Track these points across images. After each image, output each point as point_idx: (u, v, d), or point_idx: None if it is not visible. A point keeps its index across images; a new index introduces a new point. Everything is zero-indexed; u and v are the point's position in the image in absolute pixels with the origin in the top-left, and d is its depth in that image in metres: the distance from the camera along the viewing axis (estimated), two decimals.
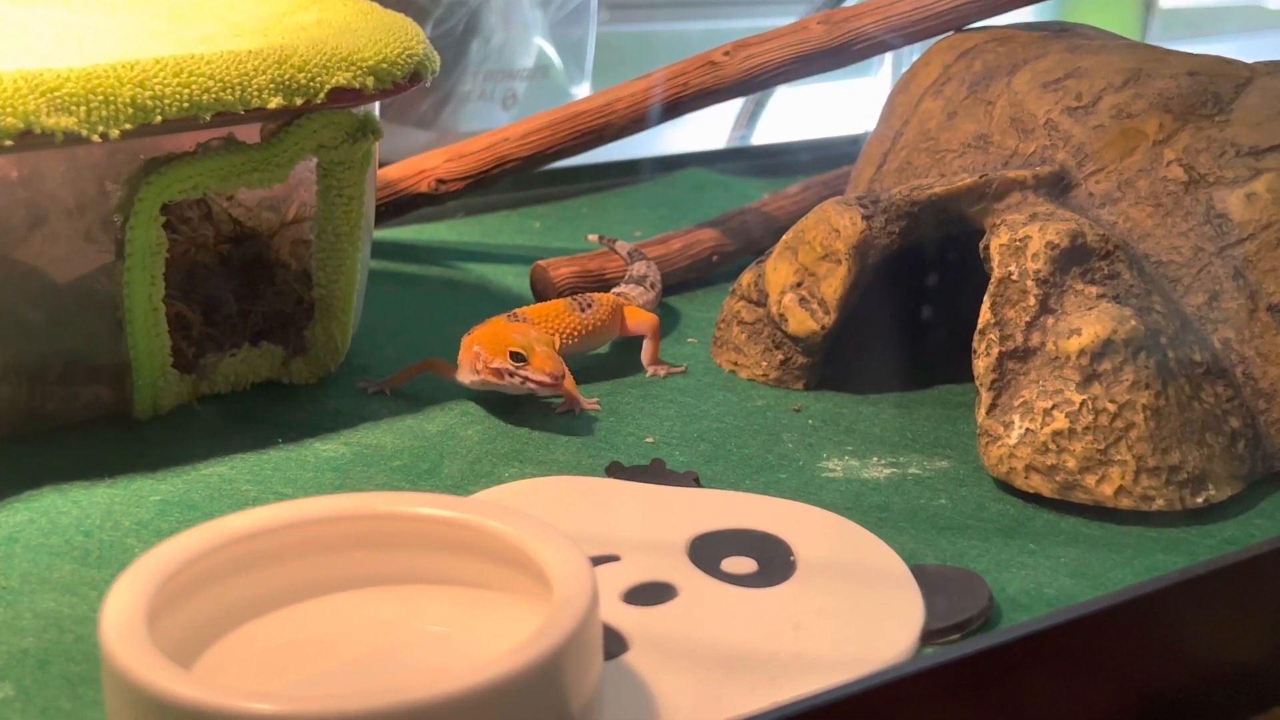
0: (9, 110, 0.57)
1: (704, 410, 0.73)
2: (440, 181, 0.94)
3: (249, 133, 0.68)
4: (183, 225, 0.75)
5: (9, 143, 0.57)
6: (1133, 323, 0.64)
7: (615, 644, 0.50)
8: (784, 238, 0.77)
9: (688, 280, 0.92)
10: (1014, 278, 0.66)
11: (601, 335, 0.78)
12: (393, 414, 0.72)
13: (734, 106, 1.35)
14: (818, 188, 1.00)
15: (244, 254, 0.77)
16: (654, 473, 0.65)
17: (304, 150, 0.68)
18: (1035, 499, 0.64)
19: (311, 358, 0.74)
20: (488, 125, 1.13)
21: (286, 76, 0.65)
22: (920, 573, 0.56)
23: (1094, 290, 0.66)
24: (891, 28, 0.89)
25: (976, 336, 0.67)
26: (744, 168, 1.21)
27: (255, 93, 0.64)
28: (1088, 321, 0.64)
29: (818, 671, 0.49)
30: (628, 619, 0.52)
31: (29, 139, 0.58)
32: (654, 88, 0.92)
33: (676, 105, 0.93)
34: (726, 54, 0.92)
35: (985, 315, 0.67)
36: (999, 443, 0.64)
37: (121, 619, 0.42)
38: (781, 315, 0.75)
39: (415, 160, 0.95)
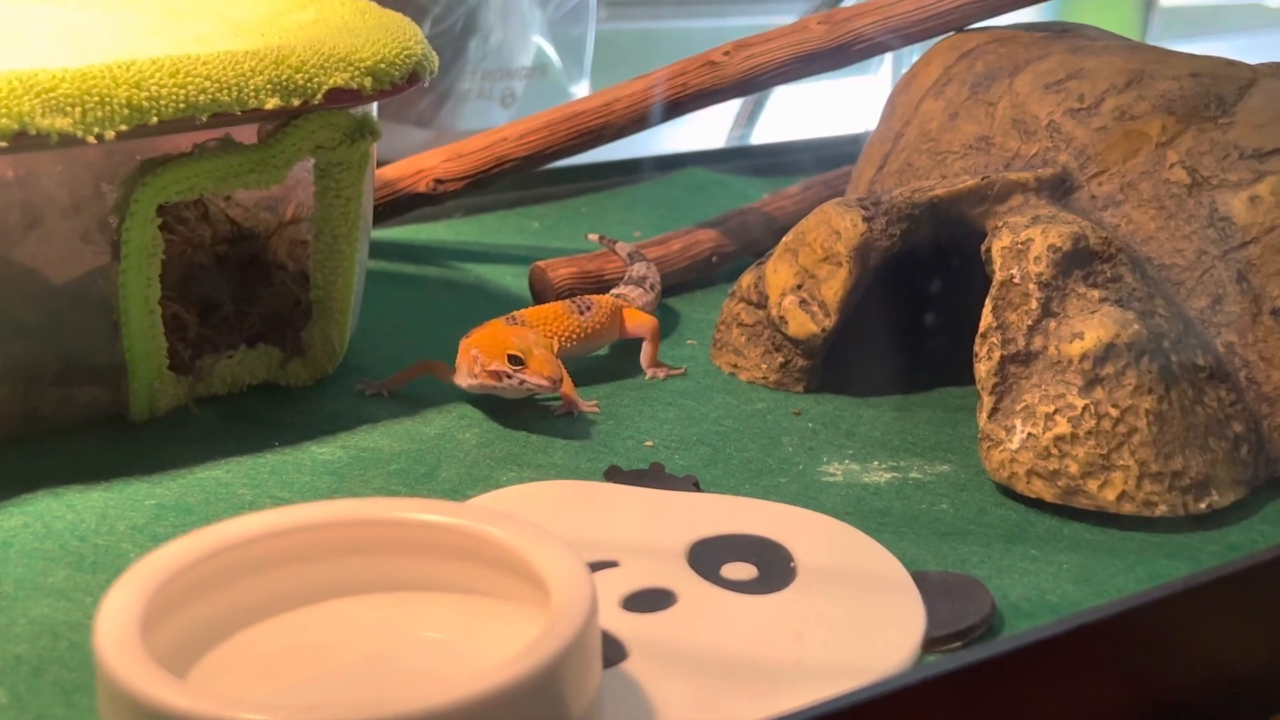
0: (3, 111, 0.56)
1: (703, 413, 0.73)
2: (438, 181, 0.94)
3: (246, 133, 0.68)
4: (180, 226, 0.74)
5: (3, 144, 0.57)
6: (1135, 326, 0.63)
7: (614, 651, 0.50)
8: (784, 239, 0.77)
9: (687, 281, 0.92)
10: (1016, 280, 0.66)
11: (600, 337, 0.78)
12: (390, 417, 0.71)
13: (733, 105, 1.35)
14: (818, 188, 1.00)
15: (241, 255, 0.76)
16: (653, 477, 0.65)
17: (301, 151, 0.68)
18: (1037, 504, 0.64)
19: (309, 359, 0.74)
20: (486, 124, 1.13)
21: (283, 77, 0.65)
22: (921, 579, 0.55)
23: (1096, 294, 0.65)
24: (892, 28, 0.89)
25: (978, 340, 0.66)
26: (744, 167, 1.21)
27: (252, 93, 0.64)
28: (1090, 325, 0.64)
29: (818, 679, 0.49)
30: (626, 626, 0.52)
31: (24, 140, 0.57)
32: (653, 88, 0.92)
33: (676, 105, 0.93)
34: (726, 54, 0.92)
35: (987, 318, 0.66)
36: (1000, 447, 0.64)
37: (115, 626, 0.42)
38: (781, 317, 0.75)
39: (413, 160, 0.95)
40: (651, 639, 0.51)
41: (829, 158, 1.15)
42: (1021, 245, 0.66)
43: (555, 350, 0.72)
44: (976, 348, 0.66)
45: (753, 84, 0.93)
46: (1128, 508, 0.62)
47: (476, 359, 0.69)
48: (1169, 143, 0.71)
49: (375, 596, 0.49)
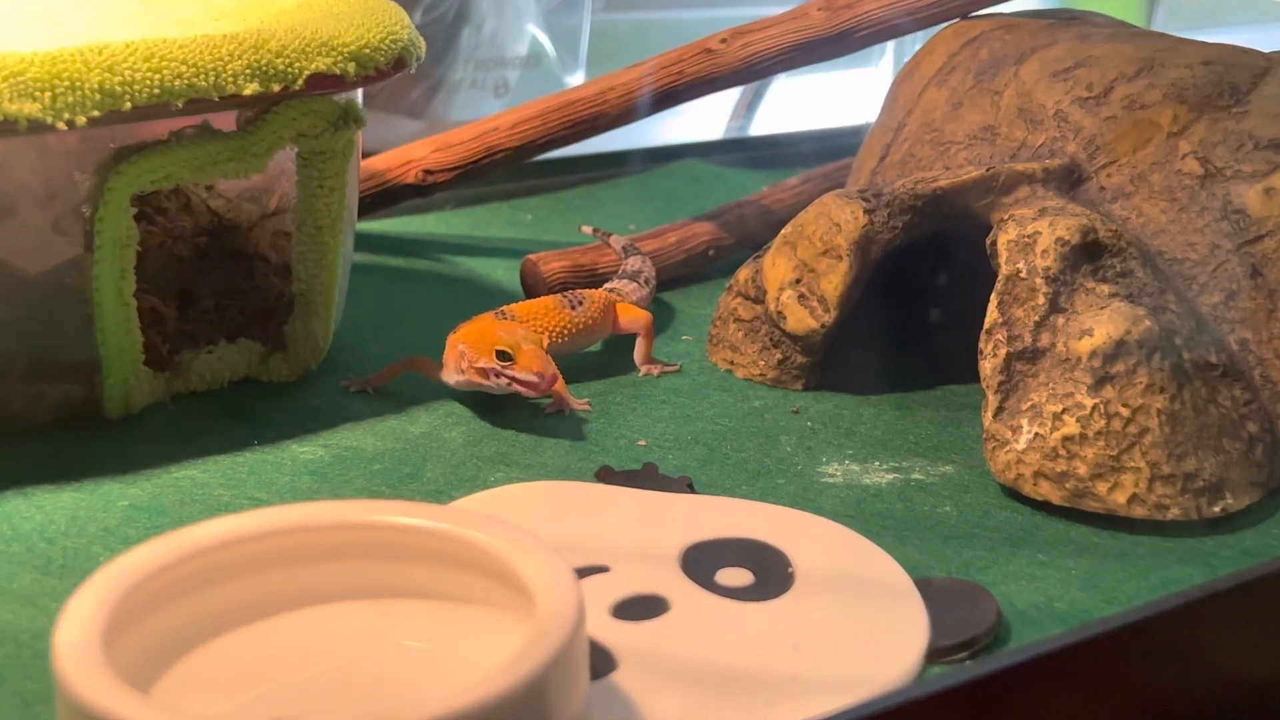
0: None
1: (699, 411, 0.72)
2: (428, 172, 0.92)
3: (225, 121, 0.66)
4: (159, 217, 0.73)
5: None
6: (1146, 323, 0.62)
7: (603, 662, 0.49)
8: (783, 232, 0.75)
9: (683, 275, 0.91)
10: (1022, 275, 0.64)
11: (593, 333, 0.77)
12: (375, 414, 0.70)
13: (731, 96, 1.34)
14: (818, 180, 0.99)
15: (222, 247, 0.75)
16: (646, 477, 0.64)
17: (282, 139, 0.66)
18: (1044, 507, 0.62)
19: (291, 355, 0.73)
20: (479, 114, 1.11)
21: (263, 62, 0.63)
22: (925, 586, 0.54)
23: (1106, 289, 0.64)
24: (895, 14, 0.88)
25: (983, 336, 0.65)
26: (741, 159, 1.20)
27: (230, 79, 0.62)
28: (1100, 321, 0.62)
29: (817, 693, 0.48)
30: (616, 635, 0.51)
31: None
32: (648, 76, 0.91)
33: (672, 94, 0.92)
34: (723, 41, 0.91)
35: (992, 314, 0.65)
36: (1006, 448, 0.62)
37: (76, 635, 0.41)
38: (780, 313, 0.73)
39: (402, 150, 0.94)
40: (642, 649, 0.50)
41: (829, 150, 1.15)
42: (1028, 238, 0.65)
43: (546, 346, 0.71)
44: (981, 344, 0.65)
45: (751, 72, 0.92)
46: (1139, 511, 0.60)
47: (464, 355, 0.68)
48: (1181, 133, 0.69)
49: (354, 603, 0.48)
